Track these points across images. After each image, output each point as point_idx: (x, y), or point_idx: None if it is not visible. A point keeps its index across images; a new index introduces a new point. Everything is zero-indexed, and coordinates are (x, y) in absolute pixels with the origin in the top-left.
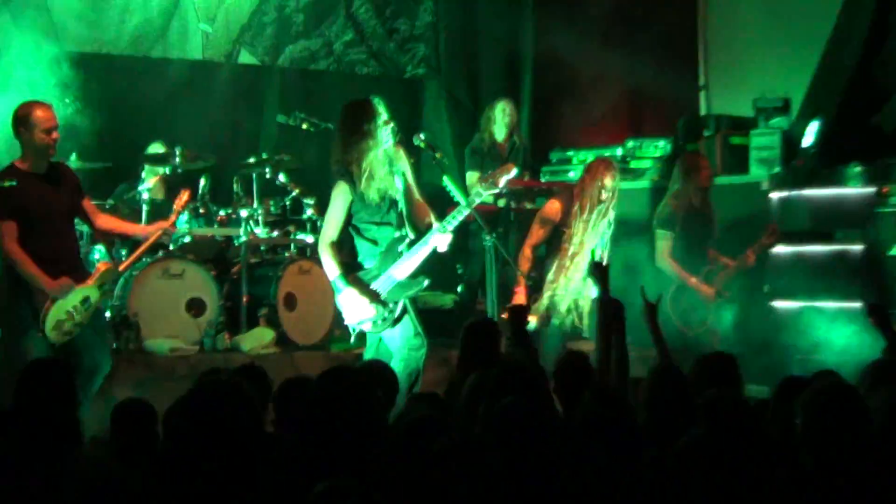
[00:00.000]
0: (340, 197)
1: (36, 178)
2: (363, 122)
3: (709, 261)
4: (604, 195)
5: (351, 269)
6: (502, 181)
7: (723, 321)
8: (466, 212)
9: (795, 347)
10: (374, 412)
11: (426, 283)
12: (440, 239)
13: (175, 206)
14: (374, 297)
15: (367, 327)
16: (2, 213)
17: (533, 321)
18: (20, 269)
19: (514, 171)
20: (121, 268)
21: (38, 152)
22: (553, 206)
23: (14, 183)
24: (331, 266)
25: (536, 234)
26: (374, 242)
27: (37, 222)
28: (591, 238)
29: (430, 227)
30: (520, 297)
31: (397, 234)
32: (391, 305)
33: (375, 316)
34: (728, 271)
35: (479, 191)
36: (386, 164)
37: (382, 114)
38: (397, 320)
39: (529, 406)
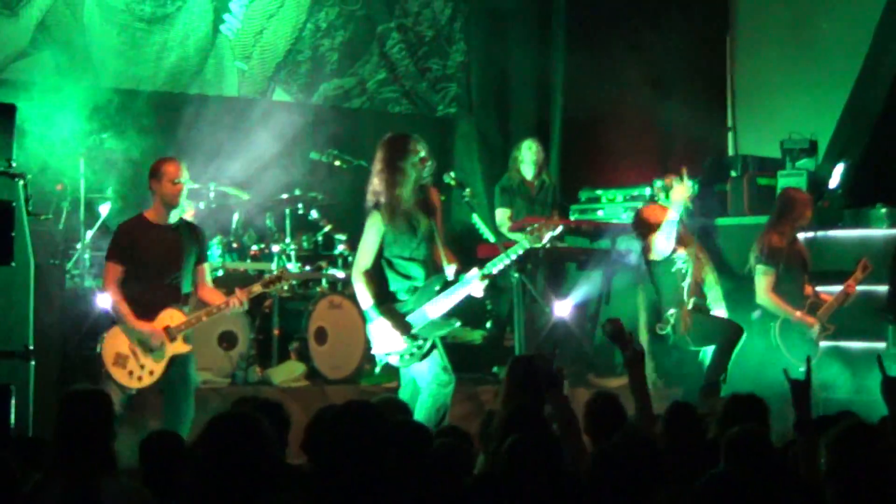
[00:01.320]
0: (373, 227)
1: (157, 228)
2: (397, 158)
3: (806, 295)
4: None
5: (383, 300)
6: (546, 237)
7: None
8: (507, 261)
9: (821, 386)
10: (393, 444)
11: (457, 324)
12: (477, 286)
13: (234, 299)
14: (406, 330)
15: (393, 360)
16: (110, 252)
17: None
18: (114, 307)
19: (559, 228)
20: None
21: (164, 203)
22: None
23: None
24: (364, 295)
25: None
26: (405, 277)
27: (144, 268)
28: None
29: (458, 272)
30: None
31: (428, 271)
32: (420, 342)
33: (404, 350)
34: (829, 305)
35: (522, 242)
36: (418, 201)
37: (420, 151)
38: (424, 356)
39: (530, 445)
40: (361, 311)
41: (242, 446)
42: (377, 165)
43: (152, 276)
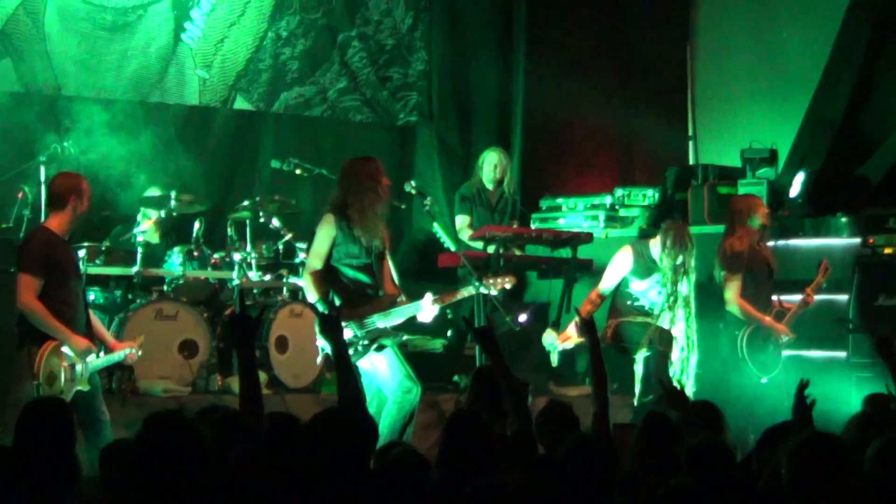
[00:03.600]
0: (325, 229)
1: (65, 243)
2: (374, 181)
3: (771, 302)
4: None
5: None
6: (501, 286)
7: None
8: (468, 294)
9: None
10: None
11: (404, 338)
12: (429, 311)
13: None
14: (354, 324)
15: None
16: (29, 265)
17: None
18: (41, 321)
19: (514, 282)
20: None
21: (79, 220)
22: None
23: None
24: (311, 291)
25: None
26: (350, 284)
27: (67, 281)
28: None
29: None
30: None
31: (376, 282)
32: (366, 341)
33: (348, 340)
34: (791, 313)
35: (478, 285)
36: (380, 220)
37: (384, 178)
38: (366, 354)
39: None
40: None
41: (174, 453)
42: (351, 187)
43: (73, 289)
